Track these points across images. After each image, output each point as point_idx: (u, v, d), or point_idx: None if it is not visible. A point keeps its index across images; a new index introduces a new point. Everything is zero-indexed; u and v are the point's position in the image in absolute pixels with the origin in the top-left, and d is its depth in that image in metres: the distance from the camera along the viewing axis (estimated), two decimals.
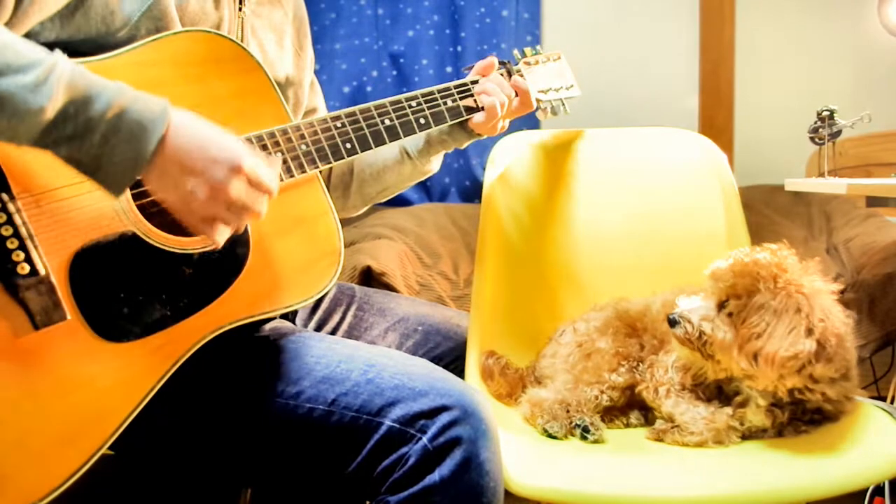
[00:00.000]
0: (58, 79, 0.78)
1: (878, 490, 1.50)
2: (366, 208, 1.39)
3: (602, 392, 1.16)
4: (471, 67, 1.30)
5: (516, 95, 1.28)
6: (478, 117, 1.22)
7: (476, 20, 3.07)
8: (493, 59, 1.28)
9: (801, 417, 1.08)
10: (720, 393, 1.12)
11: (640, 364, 1.18)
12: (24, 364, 0.83)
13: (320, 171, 1.07)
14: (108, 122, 0.80)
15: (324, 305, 1.31)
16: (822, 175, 2.08)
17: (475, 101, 1.22)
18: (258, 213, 0.89)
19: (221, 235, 0.89)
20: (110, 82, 0.82)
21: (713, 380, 1.11)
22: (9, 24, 0.87)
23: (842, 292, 1.09)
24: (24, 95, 0.76)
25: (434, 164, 1.34)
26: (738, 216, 1.43)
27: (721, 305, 1.06)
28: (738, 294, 1.04)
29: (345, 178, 1.34)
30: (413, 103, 1.17)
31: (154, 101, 0.83)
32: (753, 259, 1.05)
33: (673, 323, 1.08)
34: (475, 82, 1.25)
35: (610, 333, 1.19)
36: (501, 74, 1.30)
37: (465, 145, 1.29)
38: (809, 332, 0.99)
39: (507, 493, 0.97)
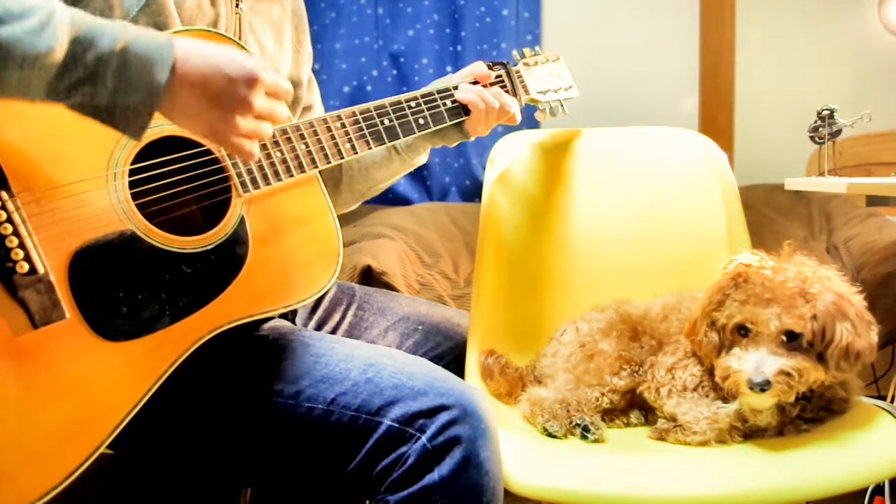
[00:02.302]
0: (60, 20, 0.77)
1: (879, 489, 1.50)
2: (357, 204, 1.39)
3: (603, 394, 1.16)
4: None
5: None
6: (467, 123, 1.23)
7: (476, 19, 3.07)
8: (486, 72, 1.27)
9: (805, 415, 1.07)
10: (727, 393, 1.11)
11: (641, 367, 1.18)
12: (22, 363, 0.83)
13: (319, 171, 1.07)
14: (117, 56, 0.79)
15: (324, 305, 1.31)
16: (822, 174, 2.08)
17: (454, 100, 1.22)
18: (280, 118, 0.93)
19: (255, 148, 0.91)
20: (108, 21, 0.82)
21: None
22: None
23: None
24: (31, 39, 0.75)
25: (422, 157, 1.33)
26: (738, 215, 1.43)
27: (787, 336, 1.02)
28: (804, 318, 1.01)
29: (334, 175, 1.34)
30: (412, 104, 1.17)
31: (157, 33, 0.84)
32: (780, 283, 1.03)
33: (766, 385, 1.00)
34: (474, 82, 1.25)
35: (613, 336, 1.19)
36: (499, 75, 1.30)
37: (454, 143, 1.29)
38: (860, 317, 1.02)
39: (507, 493, 0.97)
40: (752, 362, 1.01)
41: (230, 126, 0.87)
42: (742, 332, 1.05)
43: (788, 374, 1.00)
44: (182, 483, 1.44)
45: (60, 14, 0.78)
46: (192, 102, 0.84)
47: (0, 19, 0.75)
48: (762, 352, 1.02)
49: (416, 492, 0.91)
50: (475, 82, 1.26)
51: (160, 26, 0.97)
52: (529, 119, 1.41)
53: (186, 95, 0.84)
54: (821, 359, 1.02)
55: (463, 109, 1.22)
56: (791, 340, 1.02)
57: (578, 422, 1.11)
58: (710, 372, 1.10)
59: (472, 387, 1.01)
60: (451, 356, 1.27)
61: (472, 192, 3.06)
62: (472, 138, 1.27)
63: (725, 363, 1.05)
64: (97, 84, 0.79)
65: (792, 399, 1.04)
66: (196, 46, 0.85)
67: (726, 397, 1.10)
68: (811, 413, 1.08)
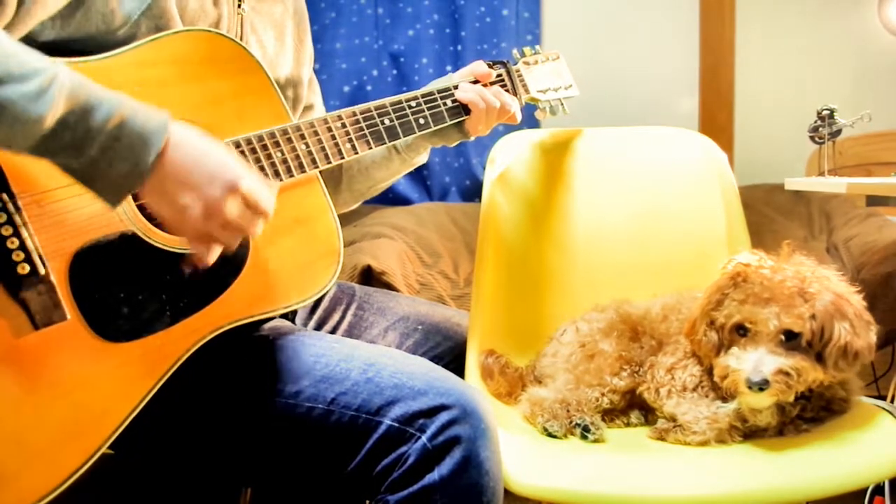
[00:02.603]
0: (59, 88, 0.78)
1: (879, 489, 1.50)
2: (357, 204, 1.39)
3: (603, 394, 1.16)
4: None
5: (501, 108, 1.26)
6: (467, 122, 1.23)
7: (476, 19, 3.07)
8: (487, 71, 1.27)
9: (805, 415, 1.08)
10: (727, 393, 1.11)
11: (641, 367, 1.18)
12: (23, 364, 0.83)
13: (320, 171, 1.07)
14: (107, 133, 0.79)
15: (324, 305, 1.31)
16: (822, 174, 2.08)
17: (454, 100, 1.22)
18: (252, 233, 0.90)
19: (213, 254, 0.89)
20: (111, 93, 0.82)
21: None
22: (11, 23, 0.87)
23: None
24: (25, 104, 0.76)
25: (422, 157, 1.33)
26: (738, 215, 1.43)
27: (786, 336, 1.03)
28: (803, 318, 1.01)
29: (334, 175, 1.34)
30: (413, 103, 1.17)
31: (154, 113, 0.83)
32: (779, 282, 1.03)
33: (765, 384, 1.00)
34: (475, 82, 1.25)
35: (613, 336, 1.19)
36: (500, 74, 1.30)
37: (454, 143, 1.29)
38: (859, 316, 1.02)
39: (507, 493, 0.97)
40: (751, 362, 1.01)
41: (193, 221, 0.85)
42: (741, 331, 1.05)
43: (787, 374, 1.00)
44: (182, 483, 1.44)
45: (61, 82, 0.78)
46: (167, 188, 0.84)
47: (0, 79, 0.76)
48: (761, 351, 1.02)
49: (416, 491, 0.91)
50: (475, 81, 1.26)
51: (162, 29, 0.97)
52: (530, 118, 1.41)
53: (164, 179, 0.83)
54: (819, 358, 1.02)
55: (463, 109, 1.22)
56: (790, 340, 1.02)
57: (578, 422, 1.11)
58: (710, 372, 1.10)
59: (473, 387, 1.01)
60: (451, 356, 1.27)
61: (472, 191, 3.07)
62: (473, 138, 1.27)
63: (724, 362, 1.05)
64: (81, 154, 0.79)
65: (791, 398, 1.04)
66: (189, 136, 0.85)
67: (726, 397, 1.10)
68: (811, 413, 1.08)
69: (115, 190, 0.82)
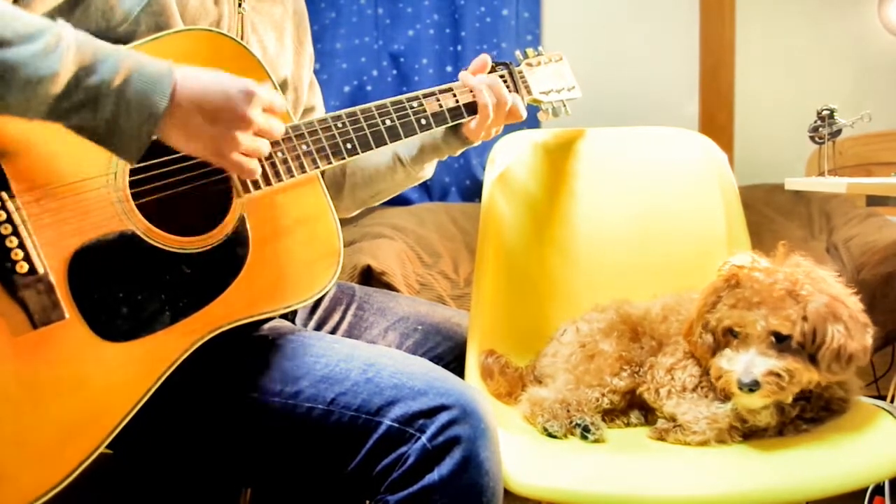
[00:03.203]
0: (66, 45, 0.78)
1: (878, 489, 1.50)
2: (358, 211, 1.39)
3: (603, 395, 1.16)
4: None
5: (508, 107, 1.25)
6: (471, 124, 1.22)
7: (476, 19, 3.07)
8: (485, 59, 1.26)
9: (805, 415, 1.08)
10: (725, 393, 1.11)
11: (641, 368, 1.18)
12: (22, 363, 0.83)
13: (320, 172, 1.07)
14: (118, 84, 0.81)
15: (324, 305, 1.31)
16: (822, 174, 2.08)
17: (456, 100, 1.21)
18: (277, 134, 0.94)
19: (256, 164, 0.92)
20: (115, 47, 0.83)
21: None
22: None
23: None
24: (36, 63, 0.76)
25: (427, 171, 1.33)
26: (738, 215, 1.43)
27: (776, 338, 1.03)
28: (793, 321, 1.01)
29: (336, 180, 1.34)
30: (414, 104, 1.17)
31: (158, 60, 0.85)
32: (768, 285, 1.03)
33: (755, 386, 1.01)
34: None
35: (614, 336, 1.19)
36: (502, 75, 1.30)
37: (458, 152, 1.29)
38: (854, 320, 1.02)
39: (507, 493, 0.97)
40: (742, 363, 1.02)
41: (231, 143, 0.88)
42: (732, 334, 1.06)
43: (778, 375, 1.01)
44: (182, 483, 1.43)
45: (67, 39, 0.79)
46: (191, 123, 0.85)
47: (7, 41, 0.76)
48: (752, 353, 1.03)
49: (416, 492, 0.91)
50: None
51: (162, 26, 0.97)
52: (531, 119, 1.41)
53: (185, 116, 0.85)
54: (813, 360, 1.02)
55: (466, 108, 1.22)
56: (780, 342, 1.02)
57: (579, 422, 1.11)
58: (709, 372, 1.11)
59: (472, 387, 1.01)
60: (451, 356, 1.26)
61: (473, 191, 3.07)
62: (476, 143, 1.26)
63: (718, 363, 1.05)
64: (96, 110, 0.80)
65: (788, 399, 1.04)
66: (196, 72, 0.87)
67: (725, 397, 1.10)
68: (811, 413, 1.08)
69: (134, 141, 0.83)
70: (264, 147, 0.92)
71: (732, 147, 3.09)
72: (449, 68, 3.06)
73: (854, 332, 1.02)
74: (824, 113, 2.01)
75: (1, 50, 0.76)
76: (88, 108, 0.80)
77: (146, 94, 0.82)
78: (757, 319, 1.02)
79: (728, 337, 1.06)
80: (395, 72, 3.09)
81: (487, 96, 1.20)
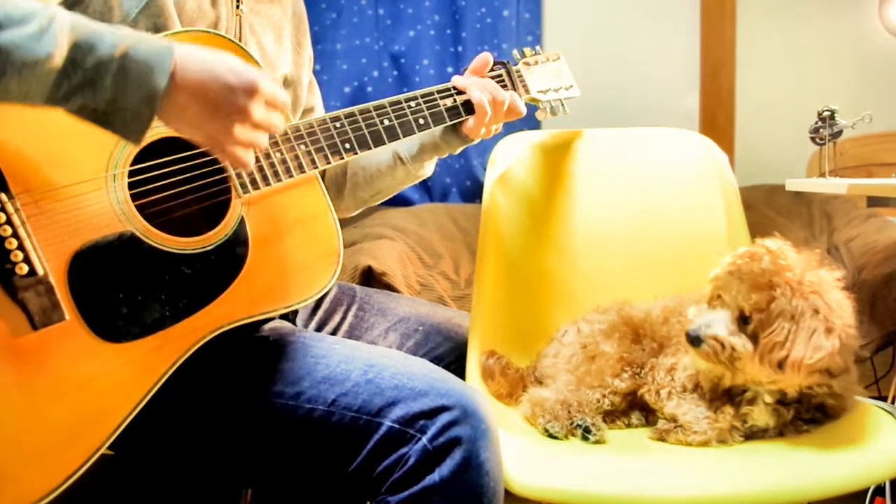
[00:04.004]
0: (60, 26, 0.78)
1: (879, 490, 1.49)
2: (359, 210, 1.39)
3: (604, 396, 1.15)
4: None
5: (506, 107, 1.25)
6: (468, 123, 1.22)
7: (477, 20, 3.07)
8: (486, 57, 1.27)
9: (804, 416, 1.08)
10: (724, 393, 1.11)
11: (642, 369, 1.18)
12: (22, 364, 0.83)
13: (319, 172, 1.07)
14: (116, 61, 0.79)
15: (324, 305, 1.31)
16: (822, 175, 2.08)
17: (454, 100, 1.21)
18: (277, 129, 0.93)
19: (251, 158, 0.91)
20: (109, 26, 0.82)
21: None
22: None
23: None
24: (31, 45, 0.76)
25: (427, 169, 1.33)
26: (738, 216, 1.43)
27: (743, 318, 1.04)
28: (761, 308, 1.02)
29: (338, 181, 1.34)
30: (412, 104, 1.17)
31: (157, 38, 0.84)
32: (763, 269, 1.03)
33: (696, 342, 1.05)
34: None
35: (615, 337, 1.19)
36: (500, 74, 1.30)
37: (458, 150, 1.29)
38: (829, 331, 1.00)
39: (508, 493, 0.97)
40: (703, 318, 1.06)
41: (228, 134, 0.87)
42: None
43: (721, 345, 1.03)
44: (183, 484, 1.43)
45: (60, 19, 0.78)
46: (191, 109, 0.84)
47: (0, 24, 0.75)
48: (719, 314, 1.05)
49: (417, 492, 0.91)
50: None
51: (160, 28, 0.97)
52: (530, 119, 1.41)
53: (185, 102, 0.84)
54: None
55: (464, 108, 1.22)
56: (745, 322, 1.04)
57: (580, 423, 1.11)
58: None
59: (473, 387, 1.01)
60: (452, 357, 1.26)
61: (473, 192, 3.06)
62: (476, 141, 1.26)
63: (689, 311, 1.09)
64: (96, 89, 0.79)
65: (717, 373, 1.07)
66: (196, 52, 0.85)
67: (725, 398, 1.10)
68: (808, 414, 1.08)
69: (135, 122, 0.81)
70: (262, 140, 0.91)
71: (733, 147, 3.09)
72: (450, 69, 3.06)
73: (812, 343, 1.00)
74: (825, 114, 2.01)
75: None
76: (88, 88, 0.79)
77: (145, 74, 0.80)
78: (733, 290, 1.04)
79: (716, 300, 1.09)
80: (395, 72, 3.09)
81: (481, 93, 1.20)
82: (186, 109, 0.84)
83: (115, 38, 0.80)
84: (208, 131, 0.86)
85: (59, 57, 0.77)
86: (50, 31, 0.77)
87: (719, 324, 1.05)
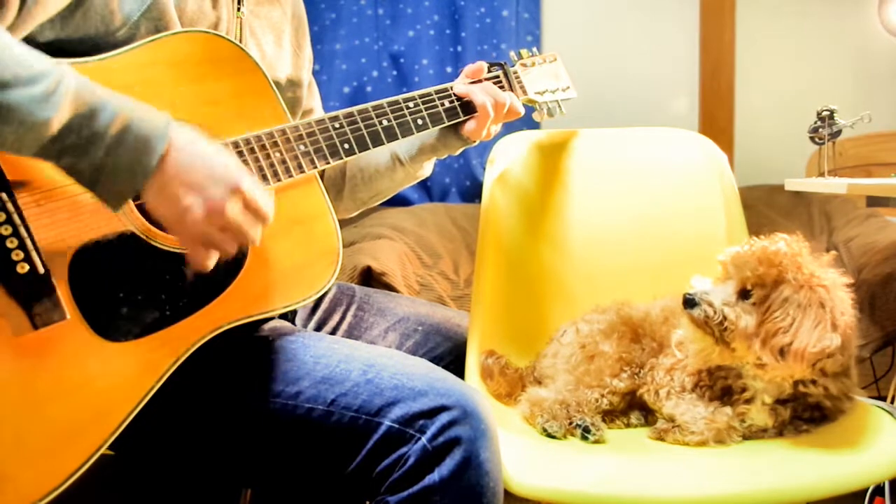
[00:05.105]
0: (65, 91, 0.78)
1: (879, 490, 1.50)
2: (358, 211, 1.39)
3: (603, 396, 1.16)
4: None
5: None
6: (469, 125, 1.22)
7: (476, 20, 3.07)
8: (481, 66, 1.27)
9: (802, 415, 1.08)
10: (723, 394, 1.11)
11: (642, 369, 1.18)
12: (23, 364, 0.83)
13: (318, 172, 1.07)
14: (111, 136, 0.80)
15: (324, 305, 1.31)
16: (822, 175, 2.08)
17: (452, 100, 1.21)
18: (252, 239, 0.89)
19: (212, 259, 0.89)
20: (114, 94, 0.82)
21: (718, 381, 1.11)
22: (13, 25, 0.87)
23: None
24: (32, 107, 0.76)
25: (426, 169, 1.33)
26: (738, 216, 1.43)
27: (742, 293, 1.05)
28: (764, 283, 1.03)
29: (336, 182, 1.34)
30: (410, 104, 1.17)
31: (157, 115, 0.84)
32: (776, 249, 1.04)
33: (690, 304, 1.06)
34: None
35: (614, 337, 1.19)
36: (498, 76, 1.30)
37: (458, 151, 1.29)
38: (834, 326, 1.00)
39: (507, 493, 0.97)
40: (705, 286, 1.07)
41: (195, 222, 0.85)
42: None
43: (713, 311, 1.04)
44: (182, 484, 1.44)
45: (67, 84, 0.79)
46: (170, 189, 0.84)
47: (7, 83, 0.76)
48: (721, 286, 1.06)
49: (417, 492, 0.91)
50: (473, 83, 1.25)
51: (161, 30, 0.97)
52: (529, 120, 1.41)
53: (167, 181, 0.84)
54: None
55: (462, 109, 1.22)
56: (744, 298, 1.04)
57: (579, 422, 1.11)
58: (709, 372, 1.11)
59: (472, 387, 1.01)
60: (452, 357, 1.26)
61: (473, 192, 3.07)
62: (475, 143, 1.26)
63: (694, 280, 1.10)
64: (86, 155, 0.80)
65: (704, 343, 1.07)
66: (192, 138, 0.86)
67: (725, 399, 1.10)
68: (807, 413, 1.08)
69: (118, 192, 0.82)
70: (227, 246, 0.89)
71: (732, 148, 3.09)
72: (449, 69, 3.07)
73: (817, 333, 1.00)
74: (824, 114, 2.01)
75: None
76: (78, 152, 0.80)
77: (137, 152, 0.81)
78: (742, 265, 1.05)
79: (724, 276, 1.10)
80: (395, 72, 3.09)
81: (483, 96, 1.20)
82: (165, 188, 0.84)
83: (116, 108, 0.81)
84: (179, 215, 0.85)
85: (57, 122, 0.78)
86: (55, 95, 0.78)
87: (717, 293, 1.06)
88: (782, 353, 1.00)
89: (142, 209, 0.92)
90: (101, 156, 0.80)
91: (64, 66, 0.81)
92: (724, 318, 1.04)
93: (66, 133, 0.79)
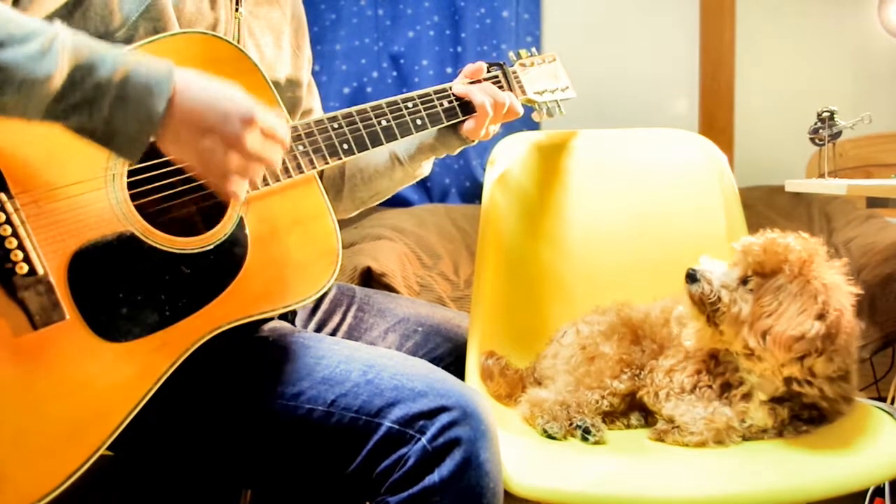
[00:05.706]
0: (62, 46, 0.78)
1: (879, 491, 1.49)
2: (357, 211, 1.39)
3: (603, 397, 1.16)
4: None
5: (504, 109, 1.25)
6: (468, 124, 1.22)
7: (476, 21, 3.07)
8: (480, 66, 1.27)
9: (800, 415, 1.08)
10: (722, 391, 1.11)
11: (642, 370, 1.18)
12: (22, 364, 0.83)
13: (322, 177, 1.07)
14: (115, 85, 0.80)
15: (324, 306, 1.31)
16: (822, 176, 2.08)
17: (451, 100, 1.21)
18: (274, 162, 0.91)
19: (241, 188, 0.90)
20: (111, 47, 0.82)
21: (718, 378, 1.11)
22: None
23: None
24: (32, 65, 0.76)
25: (425, 169, 1.33)
26: (738, 217, 1.43)
27: (744, 280, 1.06)
28: (764, 272, 1.04)
29: (336, 183, 1.34)
30: (409, 104, 1.17)
31: (159, 62, 0.84)
32: (785, 243, 1.05)
33: (692, 279, 1.08)
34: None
35: (614, 339, 1.19)
36: (497, 76, 1.30)
37: (456, 151, 1.29)
38: (820, 317, 1.00)
39: (507, 494, 0.97)
40: (712, 265, 1.09)
41: (219, 161, 0.86)
42: None
43: (710, 289, 1.05)
44: (182, 484, 1.44)
45: (62, 39, 0.79)
46: (185, 134, 0.84)
47: (1, 43, 0.76)
48: (730, 270, 1.07)
49: (417, 493, 0.91)
50: (473, 83, 1.26)
51: (159, 31, 0.98)
52: (528, 120, 1.41)
53: (179, 126, 0.84)
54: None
55: (461, 109, 1.22)
56: (744, 283, 1.05)
57: (579, 423, 1.11)
58: (709, 370, 1.11)
59: (472, 388, 1.01)
60: (452, 357, 1.26)
61: (473, 193, 3.06)
62: (475, 142, 1.26)
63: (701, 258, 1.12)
64: (94, 110, 0.80)
65: (698, 323, 1.09)
66: (197, 78, 0.86)
67: (725, 399, 1.10)
68: (806, 413, 1.08)
69: (132, 143, 0.82)
70: (255, 171, 0.90)
71: (732, 148, 3.09)
72: (449, 70, 3.06)
73: (798, 320, 1.00)
74: (824, 115, 2.01)
75: None
76: (85, 108, 0.79)
77: (144, 98, 0.81)
78: (748, 252, 1.06)
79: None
80: (395, 73, 3.09)
81: (482, 96, 1.20)
82: (181, 133, 0.84)
83: (116, 59, 0.81)
84: (200, 156, 0.86)
85: (58, 78, 0.77)
86: (52, 51, 0.77)
87: (719, 274, 1.07)
88: (764, 337, 1.01)
89: (141, 209, 0.92)
90: (108, 108, 0.80)
91: (58, 23, 0.81)
92: (719, 298, 1.05)
93: (70, 89, 0.78)
